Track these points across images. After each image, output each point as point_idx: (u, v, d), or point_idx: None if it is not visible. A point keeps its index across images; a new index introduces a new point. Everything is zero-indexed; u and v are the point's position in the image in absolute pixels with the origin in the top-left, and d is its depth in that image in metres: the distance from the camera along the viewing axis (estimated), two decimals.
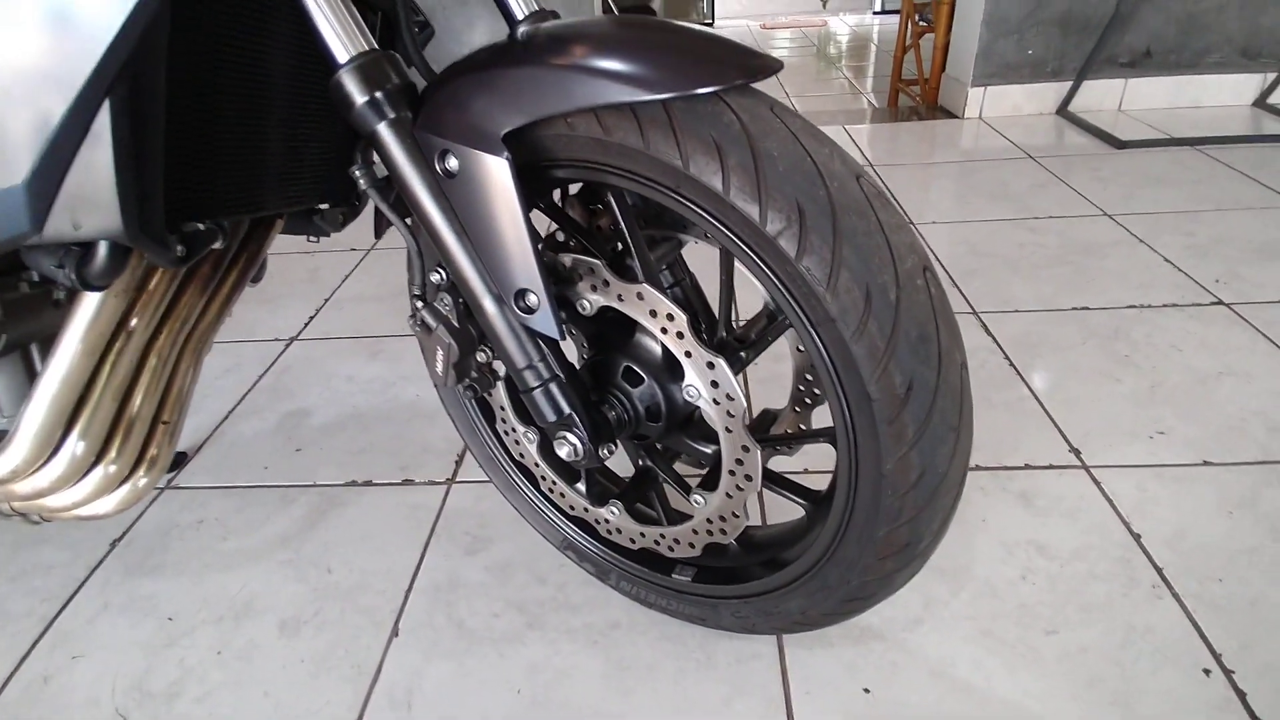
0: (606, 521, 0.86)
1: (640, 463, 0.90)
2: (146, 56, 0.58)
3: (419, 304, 0.75)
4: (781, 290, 0.62)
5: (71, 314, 0.72)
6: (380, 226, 0.84)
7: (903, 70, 3.48)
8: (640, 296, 0.68)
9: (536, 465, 0.88)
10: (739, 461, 0.74)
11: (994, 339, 1.47)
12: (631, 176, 0.65)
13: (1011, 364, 1.39)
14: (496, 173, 0.64)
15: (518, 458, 0.90)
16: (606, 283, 0.70)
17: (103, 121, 0.57)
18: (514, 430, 0.87)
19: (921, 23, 3.29)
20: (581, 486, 0.87)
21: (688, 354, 0.69)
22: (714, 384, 0.71)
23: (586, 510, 0.87)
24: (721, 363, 0.69)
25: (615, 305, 0.70)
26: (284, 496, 1.19)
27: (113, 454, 0.79)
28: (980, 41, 2.81)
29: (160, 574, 1.07)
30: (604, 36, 0.65)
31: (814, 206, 0.59)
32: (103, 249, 0.64)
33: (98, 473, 0.79)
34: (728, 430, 0.73)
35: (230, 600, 1.02)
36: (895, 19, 5.29)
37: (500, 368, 0.80)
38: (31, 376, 0.79)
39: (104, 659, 0.95)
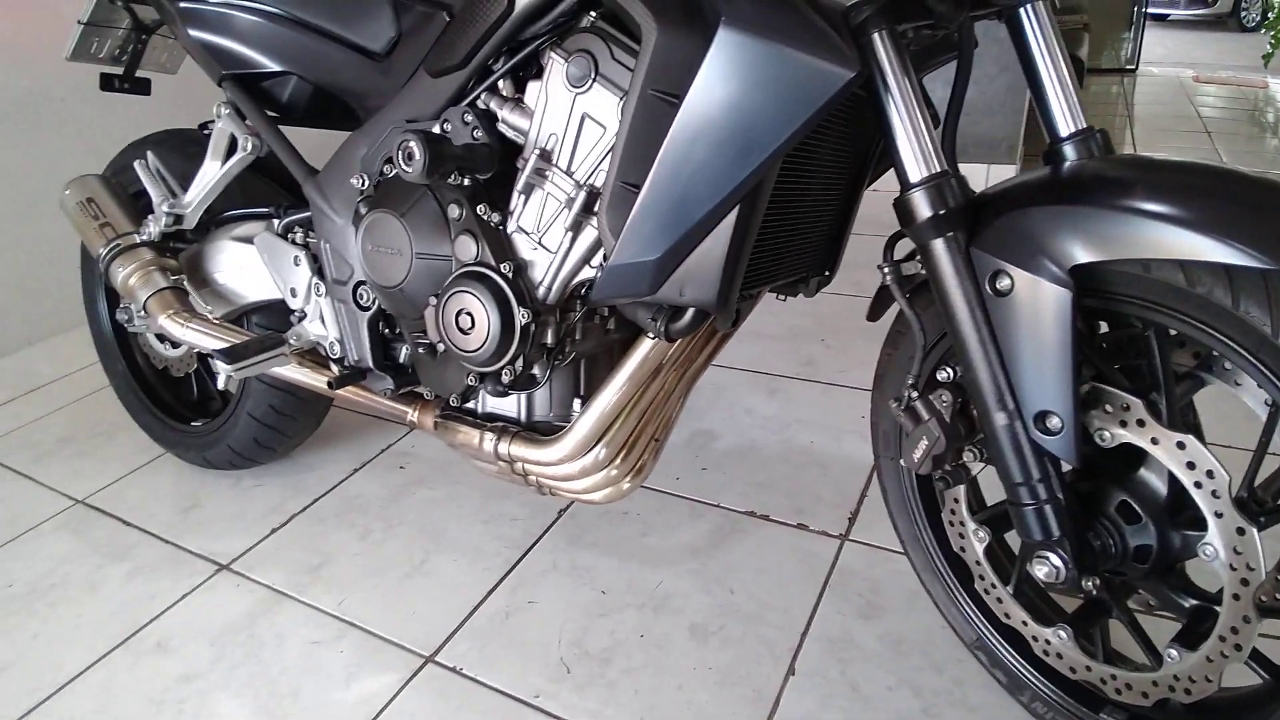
0: (1047, 643, 0.85)
1: (1095, 593, 0.86)
2: (776, 165, 0.70)
3: (913, 393, 0.80)
4: None
5: (631, 352, 0.89)
6: (878, 311, 0.91)
7: None
8: (1181, 446, 0.66)
9: (977, 564, 0.89)
10: (1234, 630, 0.69)
11: None
12: (1201, 327, 0.64)
13: None
14: (1055, 301, 0.66)
15: (956, 550, 0.91)
16: (1141, 423, 0.68)
17: (730, 219, 0.71)
18: (961, 524, 0.89)
19: None
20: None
21: (1218, 514, 0.66)
22: (1236, 550, 0.66)
23: (1025, 624, 0.86)
24: (1254, 532, 0.65)
25: (1146, 447, 0.69)
26: (693, 510, 1.34)
27: (618, 460, 0.96)
28: None
29: (595, 549, 1.27)
30: (1196, 186, 0.64)
31: None
32: (691, 312, 0.79)
33: (605, 473, 0.96)
34: (1235, 598, 0.68)
35: (650, 592, 1.18)
36: None
37: (974, 466, 0.82)
38: (577, 384, 0.99)
39: (551, 611, 1.16)
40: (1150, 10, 6.60)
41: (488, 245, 0.86)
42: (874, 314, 0.91)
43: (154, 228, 1.19)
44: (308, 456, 1.59)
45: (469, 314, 0.86)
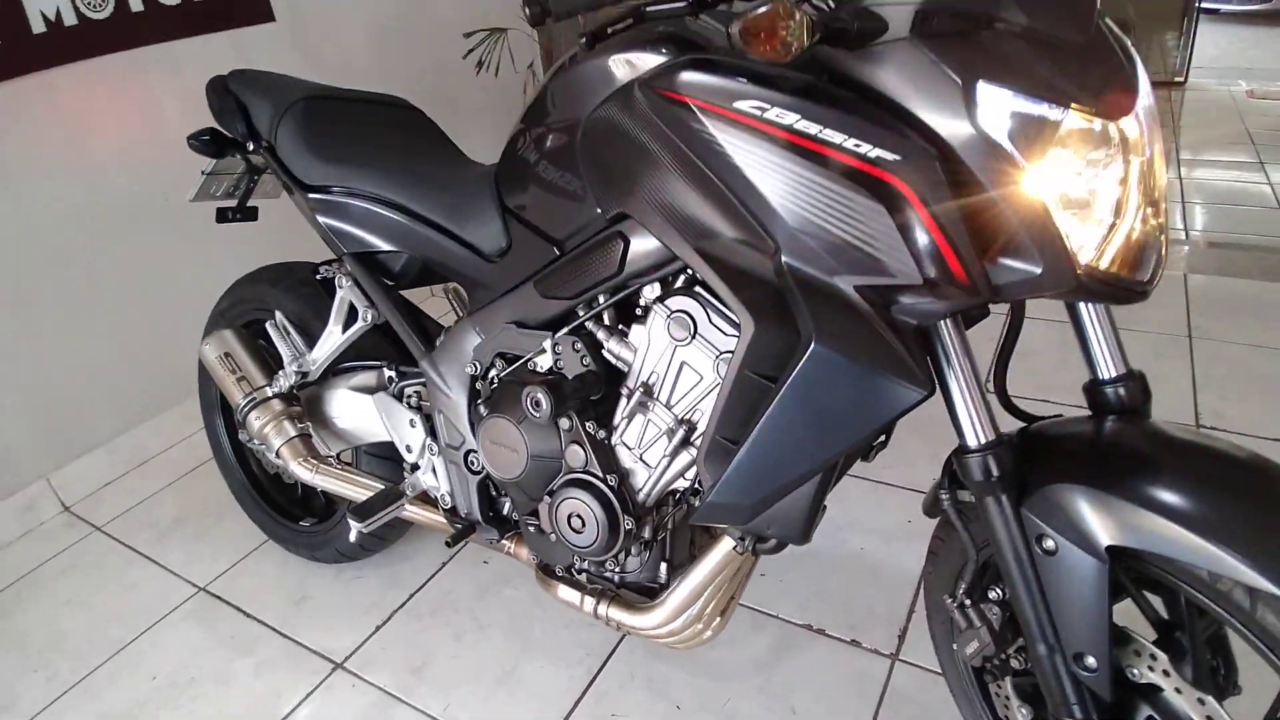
0: None
1: None
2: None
3: (969, 599, 0.92)
4: None
5: (718, 543, 1.03)
6: (935, 510, 1.03)
7: None
8: (1201, 702, 0.78)
9: None
10: None
11: None
12: (1223, 613, 0.74)
13: None
14: (1093, 570, 0.78)
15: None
16: (1167, 673, 0.80)
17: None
18: (1006, 701, 1.01)
19: None
20: None
21: None
22: None
23: None
24: None
25: (1170, 696, 0.80)
26: (754, 621, 1.48)
27: (706, 621, 1.10)
28: None
29: (668, 661, 1.41)
30: (1228, 486, 0.74)
31: None
32: (774, 540, 0.92)
33: (692, 629, 1.10)
34: None
35: (720, 708, 1.32)
36: None
37: (1015, 664, 0.94)
38: (664, 550, 1.13)
39: None
40: (1202, 5, 6.37)
41: (595, 457, 0.99)
42: (931, 512, 1.03)
43: (284, 382, 1.35)
44: (402, 545, 1.75)
45: (579, 517, 1.00)
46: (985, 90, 0.70)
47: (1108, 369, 0.89)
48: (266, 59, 2.28)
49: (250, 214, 1.64)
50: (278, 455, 1.32)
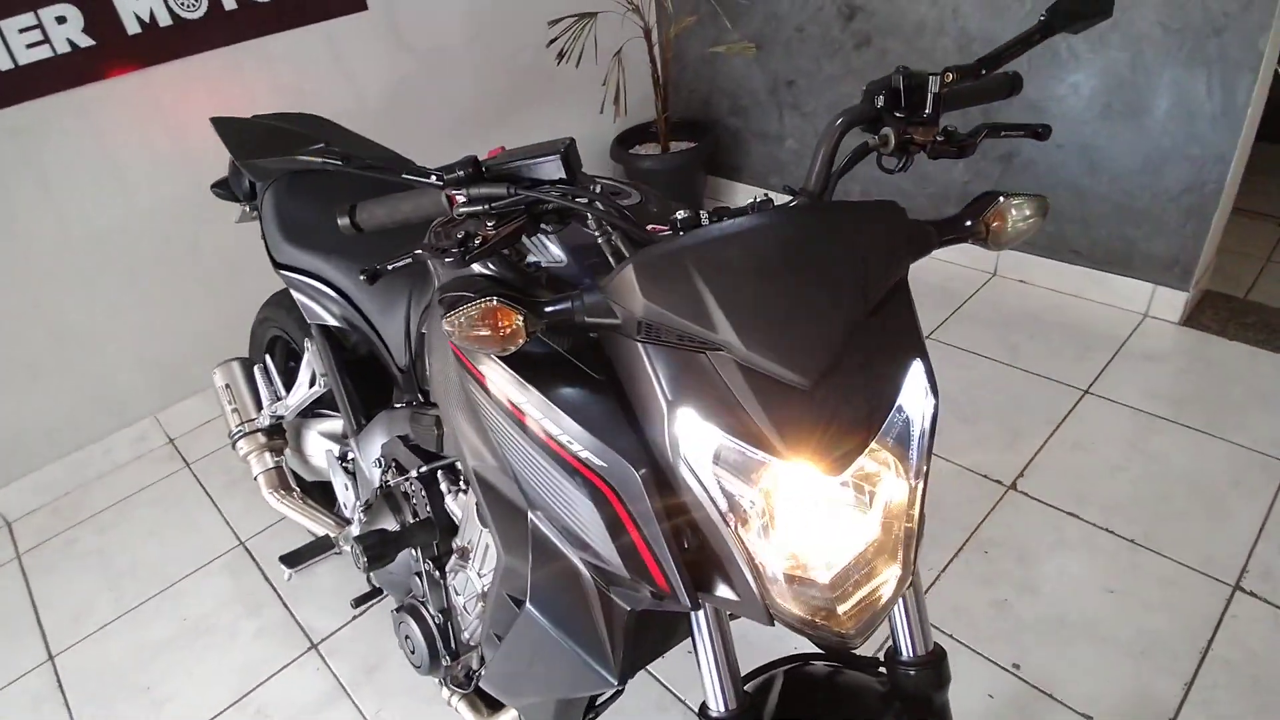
0: None
1: None
2: None
3: None
4: None
5: None
6: None
7: None
8: None
9: None
10: None
11: None
12: None
13: None
14: None
15: None
16: None
17: None
18: None
19: None
20: None
21: None
22: None
23: None
24: None
25: None
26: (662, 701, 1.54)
27: None
28: None
29: None
30: None
31: None
32: None
33: None
34: None
35: None
36: None
37: None
38: None
39: None
40: None
41: (429, 591, 1.09)
42: None
43: (267, 420, 1.55)
44: None
45: (409, 638, 1.11)
46: (687, 417, 0.67)
47: (909, 648, 0.85)
48: (359, 49, 2.42)
49: None
50: (256, 480, 1.53)
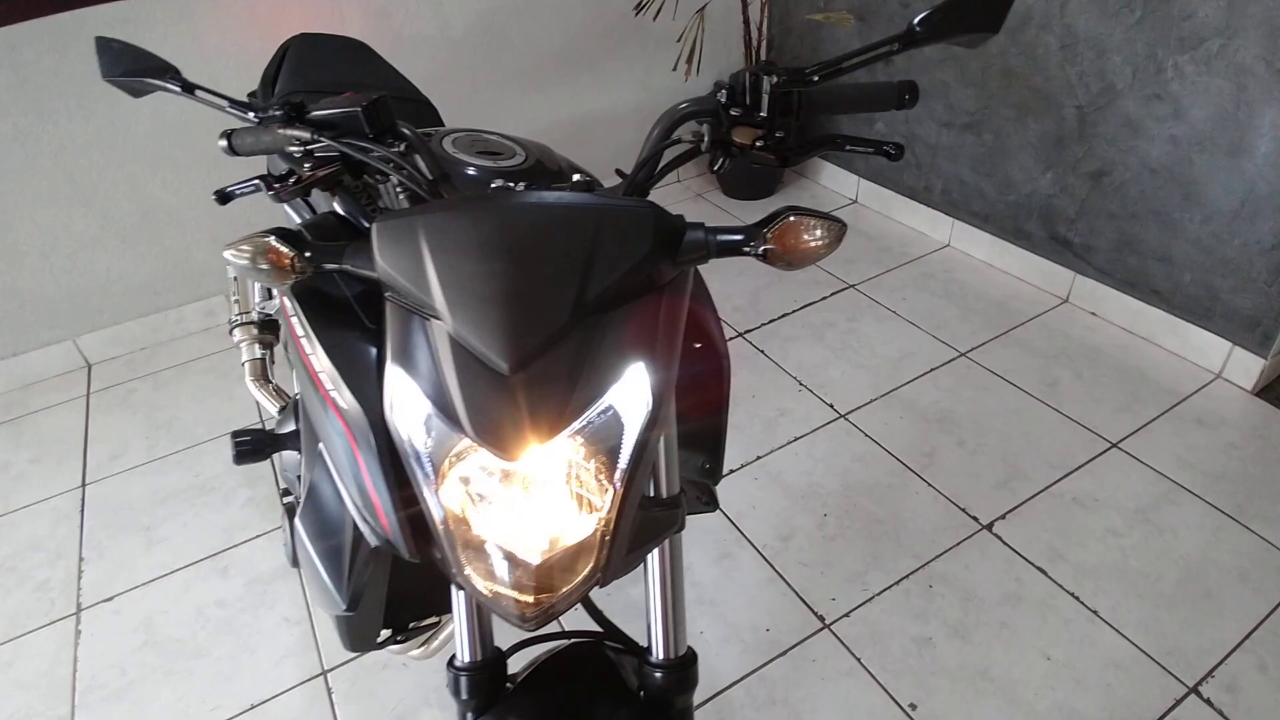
0: None
1: None
2: None
3: None
4: None
5: None
6: None
7: None
8: None
9: None
10: None
11: None
12: None
13: None
14: None
15: None
16: None
17: None
18: None
19: None
20: None
21: None
22: None
23: None
24: None
25: None
26: None
27: None
28: None
29: None
30: None
31: None
32: None
33: None
34: None
35: None
36: None
37: None
38: None
39: None
40: None
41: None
42: None
43: (257, 314, 1.69)
44: None
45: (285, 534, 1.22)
46: (401, 379, 0.70)
47: (659, 649, 0.85)
48: None
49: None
50: (242, 364, 1.69)
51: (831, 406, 2.13)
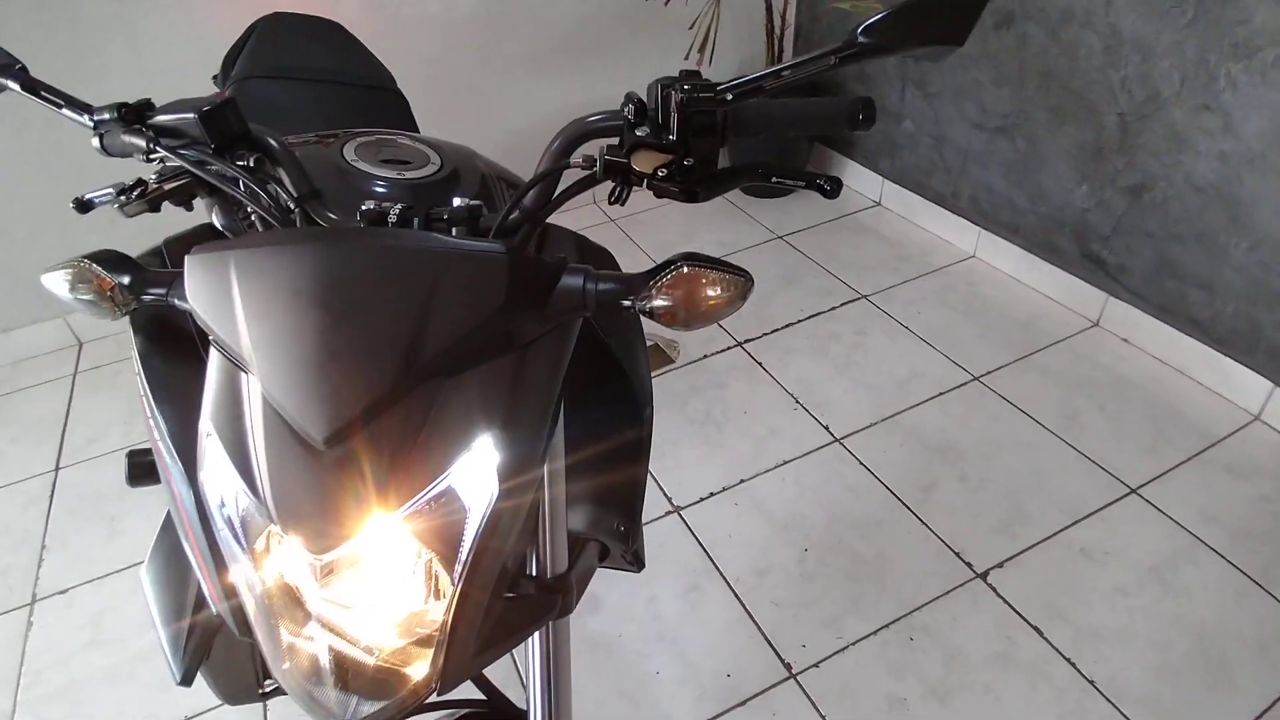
0: None
1: None
2: None
3: None
4: None
5: None
6: None
7: None
8: None
9: None
10: None
11: None
12: None
13: None
14: None
15: None
16: None
17: None
18: None
19: None
20: None
21: None
22: None
23: None
24: None
25: None
26: None
27: None
28: None
29: None
30: None
31: None
32: None
33: None
34: None
35: None
36: None
37: None
38: None
39: None
40: None
41: None
42: None
43: None
44: None
45: None
46: (213, 445, 0.60)
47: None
48: None
49: None
50: None
51: (827, 429, 1.99)
